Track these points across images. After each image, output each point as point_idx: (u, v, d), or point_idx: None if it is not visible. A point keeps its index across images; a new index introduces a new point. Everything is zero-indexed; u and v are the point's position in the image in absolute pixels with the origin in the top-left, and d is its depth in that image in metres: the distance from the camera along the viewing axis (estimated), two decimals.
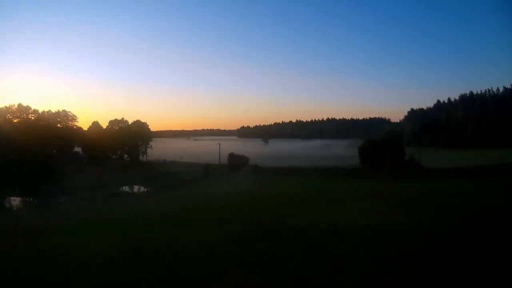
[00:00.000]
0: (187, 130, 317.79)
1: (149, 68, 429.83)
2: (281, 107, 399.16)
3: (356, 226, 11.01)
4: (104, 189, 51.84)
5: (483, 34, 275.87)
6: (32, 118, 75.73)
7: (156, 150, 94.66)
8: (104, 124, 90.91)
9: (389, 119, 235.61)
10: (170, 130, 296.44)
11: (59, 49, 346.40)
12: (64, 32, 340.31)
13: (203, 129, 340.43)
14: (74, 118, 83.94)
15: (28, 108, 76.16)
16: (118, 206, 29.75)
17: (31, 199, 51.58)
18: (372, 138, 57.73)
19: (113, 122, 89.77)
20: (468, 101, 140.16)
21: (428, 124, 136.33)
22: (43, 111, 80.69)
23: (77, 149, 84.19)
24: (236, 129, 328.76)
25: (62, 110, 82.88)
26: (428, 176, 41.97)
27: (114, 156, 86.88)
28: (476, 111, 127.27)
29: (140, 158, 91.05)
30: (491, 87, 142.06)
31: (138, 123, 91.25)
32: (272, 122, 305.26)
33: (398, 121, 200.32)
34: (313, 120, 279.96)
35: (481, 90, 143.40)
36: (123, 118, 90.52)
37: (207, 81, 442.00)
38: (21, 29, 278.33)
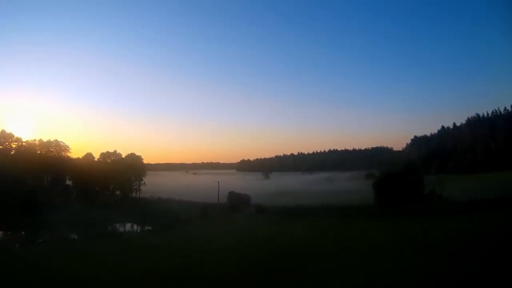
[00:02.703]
0: (186, 164, 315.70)
1: (148, 100, 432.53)
2: (281, 139, 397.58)
3: None
4: (90, 228, 47.66)
5: (483, 55, 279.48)
6: (14, 145, 72.30)
7: (152, 186, 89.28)
8: (97, 156, 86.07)
9: (391, 148, 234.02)
10: (169, 163, 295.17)
11: (52, 76, 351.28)
12: (58, 59, 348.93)
13: (202, 162, 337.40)
14: (66, 148, 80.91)
15: (11, 135, 72.47)
16: (96, 255, 24.07)
17: (11, 233, 48.26)
18: (387, 170, 52.09)
19: (105, 155, 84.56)
20: (476, 124, 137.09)
21: (435, 150, 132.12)
22: (34, 140, 77.94)
23: (69, 181, 79.83)
24: (236, 162, 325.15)
25: (54, 140, 79.92)
26: (456, 211, 36.41)
27: (105, 191, 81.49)
28: (484, 134, 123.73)
29: (134, 194, 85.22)
30: (498, 107, 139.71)
31: (132, 156, 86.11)
32: (273, 155, 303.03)
33: (401, 149, 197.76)
34: (315, 152, 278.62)
35: (487, 112, 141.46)
36: (115, 151, 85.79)
37: (207, 113, 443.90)
38: (11, 54, 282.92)
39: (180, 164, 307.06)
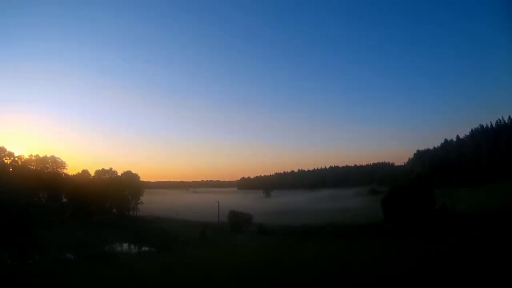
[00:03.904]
0: (186, 181, 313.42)
1: (148, 117, 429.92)
2: (282, 156, 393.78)
3: None
4: (85, 248, 43.95)
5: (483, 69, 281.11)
6: (7, 161, 70.75)
7: (151, 204, 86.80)
8: (93, 173, 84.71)
9: (392, 163, 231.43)
10: (168, 181, 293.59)
11: (48, 90, 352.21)
12: (58, 74, 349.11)
13: (202, 180, 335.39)
14: (63, 165, 79.32)
15: (3, 149, 70.76)
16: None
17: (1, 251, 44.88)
18: (395, 185, 49.76)
19: (100, 172, 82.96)
20: (480, 135, 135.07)
21: (439, 163, 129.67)
22: (30, 155, 76.33)
23: (66, 199, 77.32)
24: (236, 180, 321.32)
25: (51, 156, 78.49)
26: (474, 226, 33.90)
27: (102, 209, 78.57)
28: (488, 144, 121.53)
29: (131, 212, 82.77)
30: (502, 117, 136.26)
31: (128, 174, 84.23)
32: (273, 172, 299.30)
33: (402, 163, 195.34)
34: (315, 168, 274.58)
35: (491, 122, 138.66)
36: (111, 168, 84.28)
37: (207, 131, 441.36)
38: (5, 67, 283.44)
39: (180, 182, 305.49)
